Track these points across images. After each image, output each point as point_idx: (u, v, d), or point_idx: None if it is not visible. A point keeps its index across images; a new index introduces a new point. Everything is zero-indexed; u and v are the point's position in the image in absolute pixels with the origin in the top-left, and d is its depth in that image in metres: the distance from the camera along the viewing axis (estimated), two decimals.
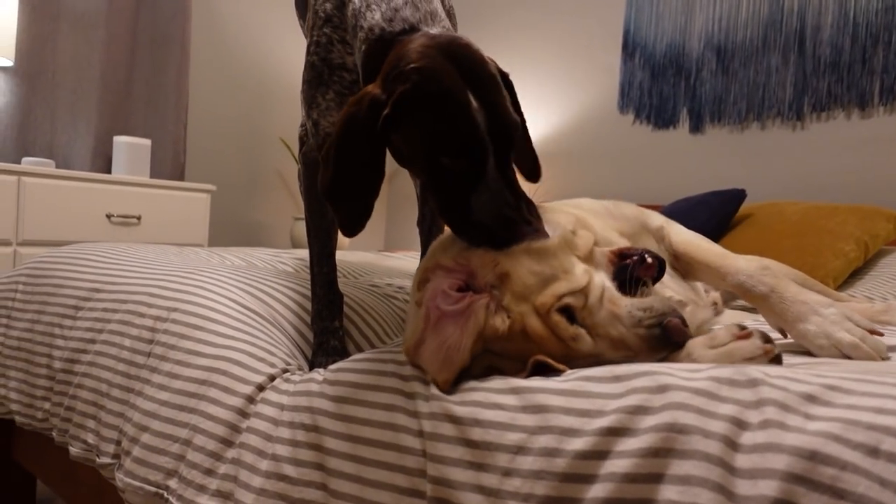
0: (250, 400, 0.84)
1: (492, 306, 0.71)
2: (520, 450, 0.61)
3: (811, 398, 0.54)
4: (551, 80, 3.42)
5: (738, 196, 2.26)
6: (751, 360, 0.66)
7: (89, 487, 1.14)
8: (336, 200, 0.78)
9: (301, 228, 3.32)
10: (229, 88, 3.34)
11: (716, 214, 2.22)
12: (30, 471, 1.37)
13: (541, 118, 3.44)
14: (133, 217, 2.49)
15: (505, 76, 0.85)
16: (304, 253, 1.83)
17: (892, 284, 1.81)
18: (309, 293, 1.06)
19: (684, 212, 2.24)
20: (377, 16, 0.84)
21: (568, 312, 0.71)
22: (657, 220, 1.02)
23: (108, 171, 2.73)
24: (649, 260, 0.76)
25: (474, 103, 0.74)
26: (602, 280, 0.75)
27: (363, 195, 0.78)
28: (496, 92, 0.77)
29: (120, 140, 2.64)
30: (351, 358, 0.82)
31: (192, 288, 1.05)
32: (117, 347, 1.04)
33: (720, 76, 2.82)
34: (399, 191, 4.02)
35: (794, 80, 2.64)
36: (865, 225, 2.10)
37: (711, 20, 2.84)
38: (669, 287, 0.89)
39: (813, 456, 0.49)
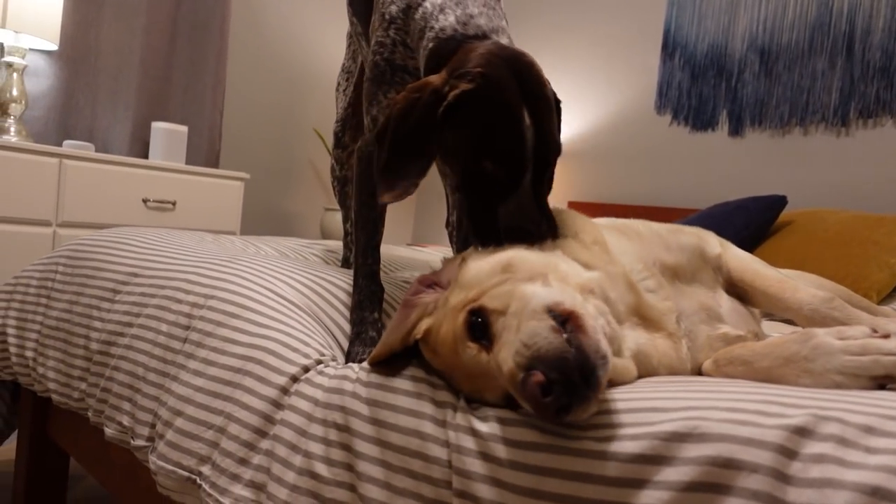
0: (284, 391, 0.84)
1: (430, 306, 0.72)
2: (546, 471, 0.58)
3: (869, 430, 0.51)
4: (589, 78, 3.37)
5: (778, 202, 2.20)
6: (887, 356, 0.60)
7: (122, 468, 1.16)
8: (386, 176, 0.82)
9: (331, 219, 3.34)
10: (266, 78, 3.36)
11: (754, 220, 2.17)
12: (64, 449, 1.40)
13: (577, 117, 3.40)
14: (168, 202, 2.53)
15: (557, 102, 0.91)
16: (335, 244, 1.83)
17: None
18: (343, 283, 1.06)
19: (722, 217, 2.19)
20: (451, 19, 0.89)
21: (481, 320, 0.62)
22: (714, 247, 0.94)
23: (146, 157, 2.77)
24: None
25: (527, 120, 0.79)
26: (545, 299, 0.60)
27: (411, 175, 0.83)
28: (548, 114, 0.82)
29: (158, 126, 2.68)
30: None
31: (229, 276, 1.06)
32: (154, 332, 1.05)
33: (763, 79, 2.75)
34: (430, 186, 4.02)
35: (841, 85, 2.56)
36: None
37: (756, 21, 2.77)
38: (727, 320, 0.85)
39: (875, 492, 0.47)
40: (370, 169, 0.98)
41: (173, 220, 2.55)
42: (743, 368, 0.68)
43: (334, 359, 0.91)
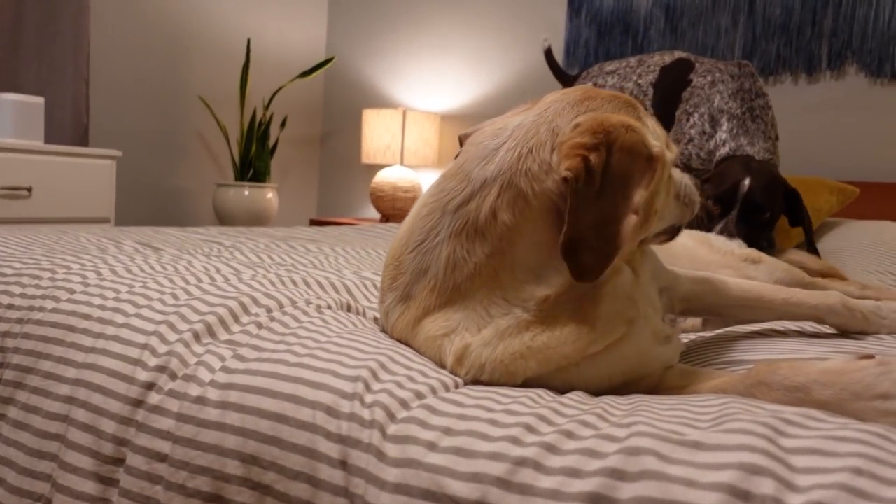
0: (121, 442, 0.67)
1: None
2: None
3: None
4: (496, 38, 3.23)
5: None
6: None
7: None
8: None
9: (224, 196, 3.05)
10: (140, 41, 2.99)
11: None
12: None
13: (483, 77, 3.25)
14: (22, 189, 2.19)
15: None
16: (231, 229, 1.62)
17: (837, 261, 1.76)
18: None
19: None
20: None
21: None
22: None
23: None
24: None
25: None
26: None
27: None
28: None
29: (6, 98, 2.31)
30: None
31: (59, 286, 0.85)
32: None
33: (668, 35, 2.70)
34: (333, 152, 3.79)
35: (744, 42, 2.54)
36: (809, 198, 2.04)
37: None
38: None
39: None
40: None
41: (29, 209, 2.22)
42: (793, 396, 0.54)
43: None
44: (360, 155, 3.29)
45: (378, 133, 3.18)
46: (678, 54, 1.87)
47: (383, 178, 3.17)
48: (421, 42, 3.45)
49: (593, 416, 0.52)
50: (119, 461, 0.66)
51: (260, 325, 0.73)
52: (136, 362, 0.70)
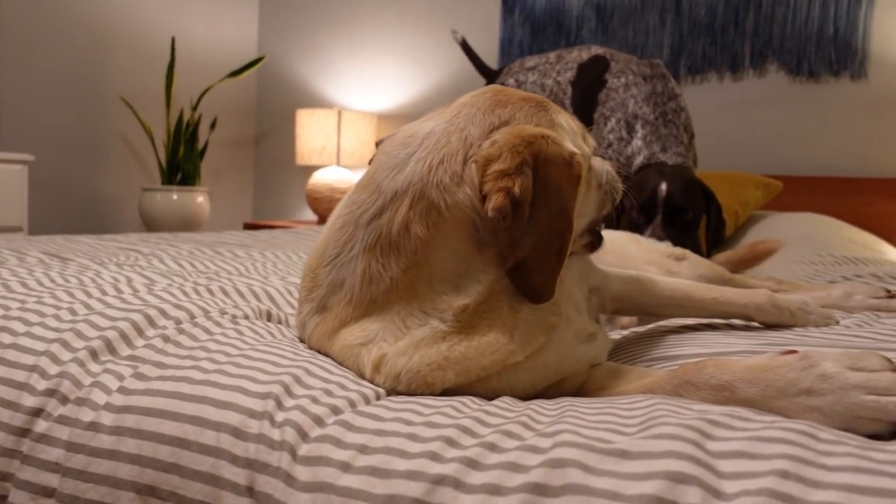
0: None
1: None
2: None
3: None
4: (430, 36, 3.20)
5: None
6: None
7: None
8: None
9: (151, 201, 2.90)
10: (55, 37, 2.82)
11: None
12: None
13: (420, 76, 3.22)
14: None
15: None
16: (152, 236, 1.52)
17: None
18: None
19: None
20: None
21: None
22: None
23: None
24: None
25: None
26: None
27: None
28: None
29: None
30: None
31: None
32: None
33: (600, 35, 2.74)
34: (267, 154, 3.68)
35: (671, 42, 2.60)
36: (736, 192, 2.11)
37: None
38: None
39: None
40: None
41: None
42: (720, 395, 0.53)
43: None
44: (295, 156, 3.20)
45: (313, 134, 3.10)
46: (595, 50, 1.90)
47: (319, 179, 3.09)
48: (356, 41, 3.39)
49: (518, 426, 0.49)
50: (1, 498, 0.59)
51: (167, 339, 0.67)
52: (23, 386, 0.63)
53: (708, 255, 1.58)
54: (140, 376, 0.60)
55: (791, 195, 2.38)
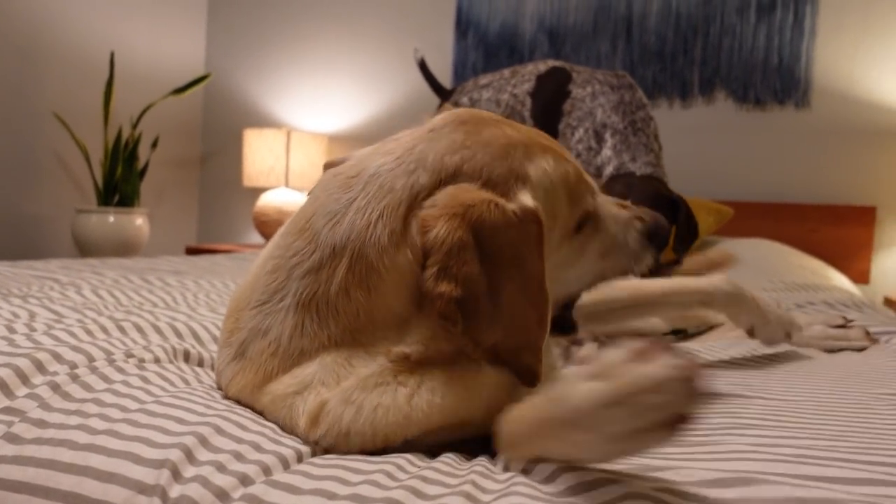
0: None
1: None
2: None
3: None
4: (382, 57, 3.15)
5: None
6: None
7: None
8: None
9: (85, 223, 2.74)
10: None
11: None
12: None
13: (372, 97, 3.16)
14: None
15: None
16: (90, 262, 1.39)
17: None
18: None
19: None
20: None
21: None
22: None
23: None
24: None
25: None
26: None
27: None
28: None
29: None
30: None
31: None
32: None
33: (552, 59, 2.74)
34: (212, 174, 3.54)
35: (623, 67, 2.62)
36: None
37: (544, 1, 2.74)
38: None
39: None
40: None
41: None
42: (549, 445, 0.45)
43: None
44: (242, 177, 3.08)
45: (261, 154, 2.99)
46: (552, 63, 1.87)
47: (267, 201, 2.98)
48: (307, 60, 3.31)
49: (460, 498, 0.42)
50: None
51: (56, 388, 0.58)
52: None
53: (680, 259, 1.55)
54: (11, 438, 0.50)
55: (741, 220, 2.40)
